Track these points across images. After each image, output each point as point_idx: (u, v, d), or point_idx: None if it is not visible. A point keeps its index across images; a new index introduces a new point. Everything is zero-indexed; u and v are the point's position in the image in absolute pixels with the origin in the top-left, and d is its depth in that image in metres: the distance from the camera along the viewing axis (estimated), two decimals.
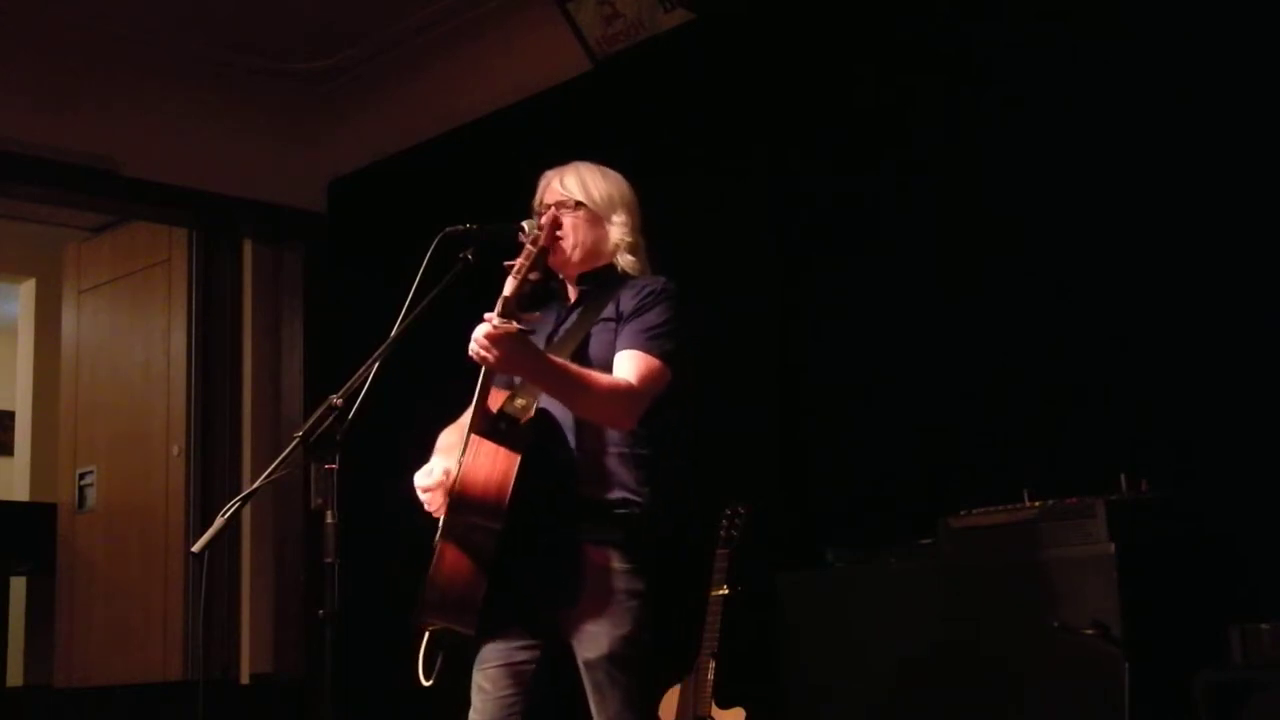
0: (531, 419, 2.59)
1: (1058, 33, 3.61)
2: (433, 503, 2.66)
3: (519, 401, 2.59)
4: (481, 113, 5.39)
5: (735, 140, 4.40)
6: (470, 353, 2.49)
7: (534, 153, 4.87)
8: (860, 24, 4.10)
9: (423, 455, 2.76)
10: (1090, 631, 2.83)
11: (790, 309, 4.20)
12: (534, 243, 2.59)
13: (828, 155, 4.13)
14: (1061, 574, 2.95)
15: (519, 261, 2.54)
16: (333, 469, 2.36)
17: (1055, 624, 2.89)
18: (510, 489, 2.49)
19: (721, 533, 3.73)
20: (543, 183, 2.89)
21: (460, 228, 2.66)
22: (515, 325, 2.45)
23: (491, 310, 2.48)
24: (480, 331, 2.47)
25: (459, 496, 2.53)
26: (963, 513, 3.24)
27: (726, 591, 3.66)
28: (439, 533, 2.59)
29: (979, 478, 3.42)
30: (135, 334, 6.48)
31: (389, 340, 2.51)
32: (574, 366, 2.61)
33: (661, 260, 2.91)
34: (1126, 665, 2.76)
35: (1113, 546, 2.87)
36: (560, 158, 2.93)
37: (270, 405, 6.10)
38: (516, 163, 4.95)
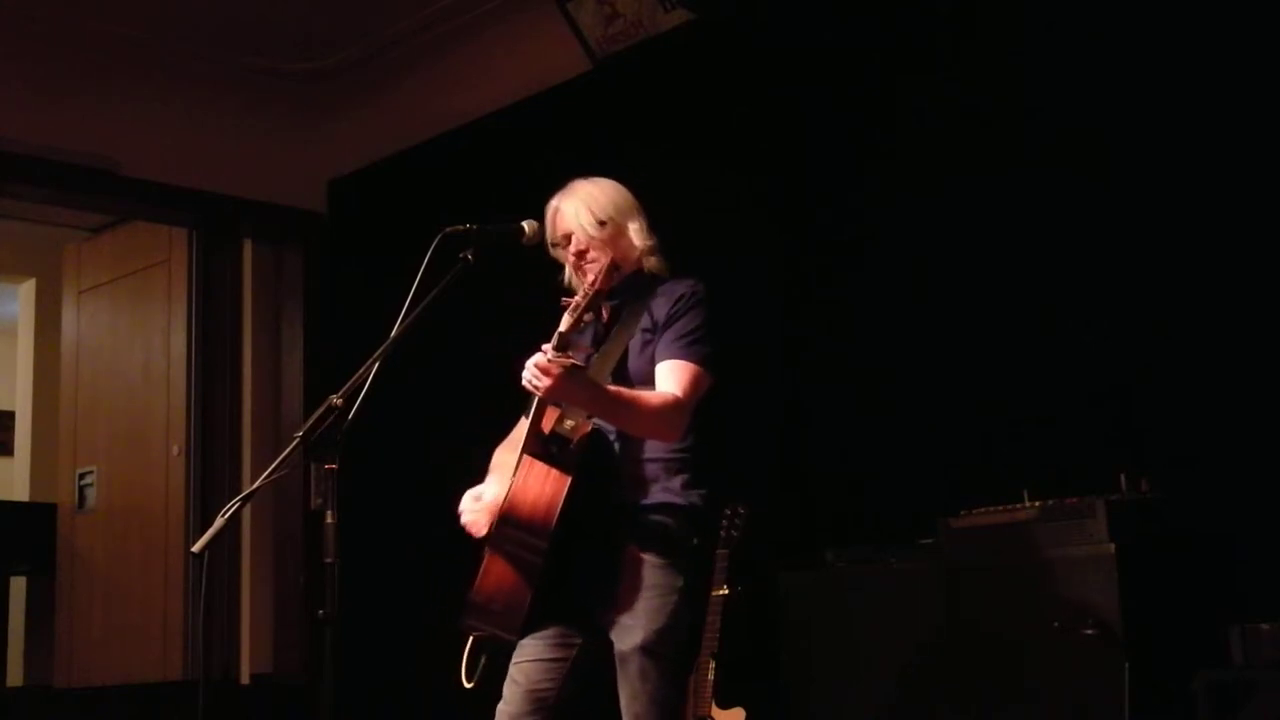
0: (582, 439, 2.66)
1: (1061, 46, 3.61)
2: (474, 527, 2.74)
3: (569, 423, 2.67)
4: (481, 113, 5.39)
5: (735, 140, 4.40)
6: (523, 381, 2.59)
7: (533, 153, 4.94)
8: (860, 22, 4.10)
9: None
10: (1090, 631, 2.84)
11: (791, 308, 4.20)
12: (592, 285, 2.67)
13: (828, 155, 4.13)
14: (1061, 574, 2.95)
15: (576, 300, 2.63)
16: (333, 469, 2.37)
17: (1055, 624, 2.90)
18: (558, 512, 2.57)
19: (721, 533, 3.73)
20: (549, 213, 2.88)
21: (461, 228, 2.69)
22: (569, 359, 2.54)
23: (531, 341, 2.56)
24: (533, 362, 2.56)
25: (508, 515, 2.61)
26: (963, 513, 3.24)
27: (726, 591, 3.66)
28: (488, 542, 2.66)
29: (979, 478, 3.42)
30: (135, 334, 6.48)
31: (389, 340, 2.52)
32: (624, 392, 2.68)
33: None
34: (1126, 665, 2.76)
35: (1113, 546, 2.87)
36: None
37: (270, 405, 6.10)
38: (516, 163, 5.03)
